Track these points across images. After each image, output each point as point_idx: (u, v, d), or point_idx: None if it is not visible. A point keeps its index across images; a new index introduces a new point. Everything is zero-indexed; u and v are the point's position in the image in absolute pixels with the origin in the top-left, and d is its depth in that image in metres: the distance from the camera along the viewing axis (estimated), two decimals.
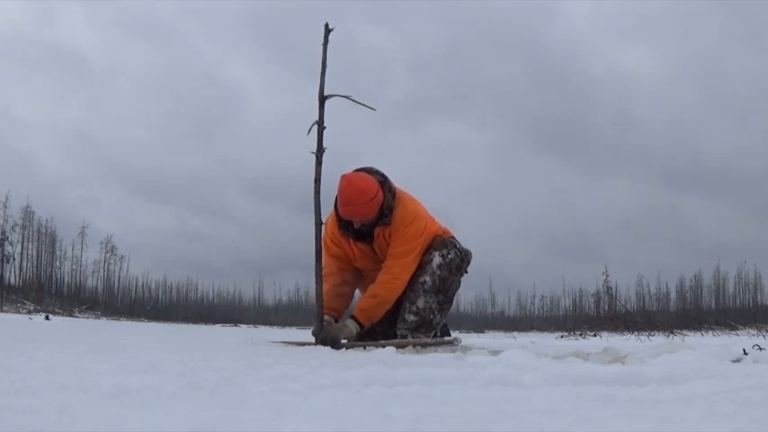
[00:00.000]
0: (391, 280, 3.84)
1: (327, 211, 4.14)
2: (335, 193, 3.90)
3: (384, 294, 3.84)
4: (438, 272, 3.87)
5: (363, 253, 4.03)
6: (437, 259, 3.88)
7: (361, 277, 4.22)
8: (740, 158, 65.03)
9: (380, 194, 3.83)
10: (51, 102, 67.53)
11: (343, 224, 3.96)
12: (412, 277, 3.93)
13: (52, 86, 66.61)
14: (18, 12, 68.50)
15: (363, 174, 3.89)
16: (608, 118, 69.98)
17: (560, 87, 72.89)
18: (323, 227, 3.96)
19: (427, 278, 3.86)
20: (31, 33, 63.81)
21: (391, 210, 3.89)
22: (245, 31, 77.37)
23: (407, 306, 3.88)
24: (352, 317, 3.83)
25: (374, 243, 3.95)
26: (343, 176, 3.84)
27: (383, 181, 3.93)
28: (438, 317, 3.92)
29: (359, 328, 3.80)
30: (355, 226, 3.91)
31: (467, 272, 4.06)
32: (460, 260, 3.94)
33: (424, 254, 3.94)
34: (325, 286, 3.83)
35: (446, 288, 3.91)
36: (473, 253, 4.10)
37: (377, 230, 3.91)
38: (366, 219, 3.86)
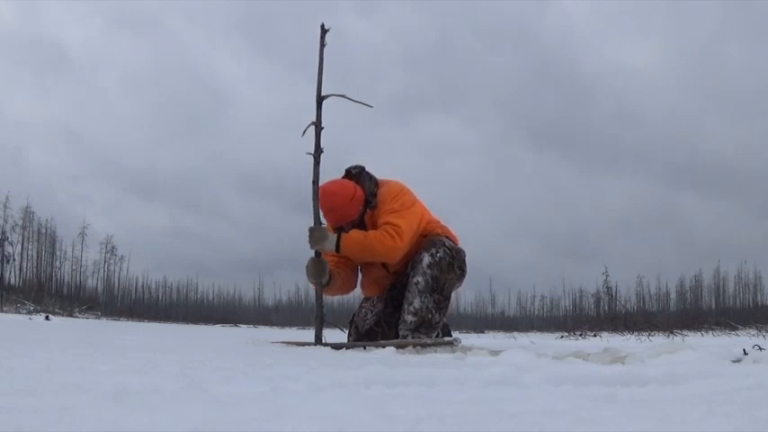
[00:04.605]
0: (384, 235, 3.83)
1: None
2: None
3: (373, 240, 3.83)
4: (429, 271, 3.88)
5: None
6: (426, 259, 3.89)
7: (359, 273, 4.25)
8: (741, 156, 64.87)
9: (359, 192, 3.93)
10: (39, 99, 66.66)
11: (336, 230, 4.01)
12: (407, 278, 3.94)
13: (40, 83, 66.11)
14: (5, 8, 68.02)
15: (335, 179, 4.03)
16: (607, 114, 69.74)
17: (557, 83, 72.52)
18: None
19: (419, 278, 3.88)
20: (19, 29, 63.25)
21: (374, 195, 3.97)
22: (236, 25, 76.90)
23: (405, 307, 3.90)
24: (339, 236, 3.86)
25: (366, 230, 3.96)
26: (319, 188, 3.98)
27: (359, 173, 4.03)
28: (437, 316, 3.92)
29: (334, 248, 3.85)
30: (346, 229, 3.95)
31: (461, 270, 4.04)
32: (451, 258, 3.94)
33: (414, 254, 3.95)
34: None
35: (440, 287, 3.92)
36: (466, 251, 4.10)
37: (366, 216, 3.97)
38: (353, 219, 3.93)
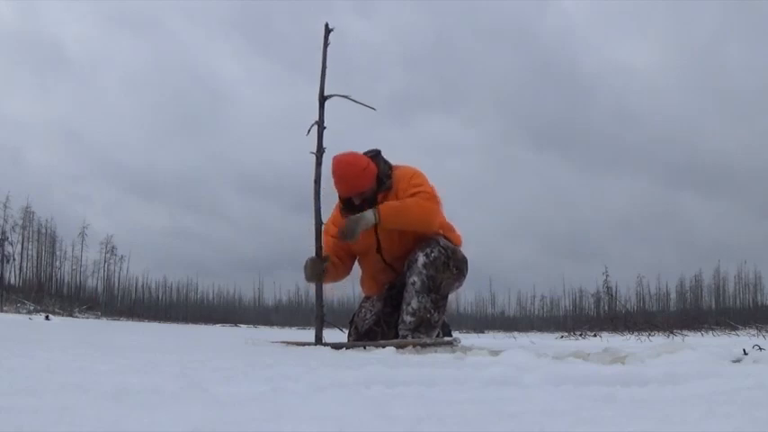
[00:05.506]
0: (418, 201, 3.87)
1: (327, 213, 4.16)
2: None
3: (411, 205, 3.86)
4: (425, 271, 3.88)
5: (365, 233, 4.03)
6: (421, 259, 3.89)
7: (355, 264, 4.27)
8: (741, 156, 64.76)
9: (372, 165, 3.96)
10: (39, 99, 66.33)
11: (347, 206, 4.02)
12: (403, 278, 3.93)
13: (40, 83, 65.92)
14: (5, 8, 67.65)
15: (350, 151, 4.04)
16: (607, 114, 69.61)
17: (557, 83, 72.45)
18: (323, 226, 4.03)
19: (415, 278, 3.88)
20: (18, 29, 62.93)
21: (389, 176, 3.99)
22: (236, 25, 76.80)
23: (404, 307, 3.90)
24: (375, 208, 3.85)
25: None
26: (333, 157, 3.99)
27: (375, 156, 4.06)
28: (435, 315, 3.92)
29: (375, 220, 3.84)
30: (356, 203, 3.96)
31: (458, 269, 4.02)
32: (446, 257, 3.94)
33: (409, 254, 3.94)
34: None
35: (437, 286, 3.92)
36: (467, 252, 4.09)
37: (380, 197, 3.96)
38: (364, 191, 3.93)
